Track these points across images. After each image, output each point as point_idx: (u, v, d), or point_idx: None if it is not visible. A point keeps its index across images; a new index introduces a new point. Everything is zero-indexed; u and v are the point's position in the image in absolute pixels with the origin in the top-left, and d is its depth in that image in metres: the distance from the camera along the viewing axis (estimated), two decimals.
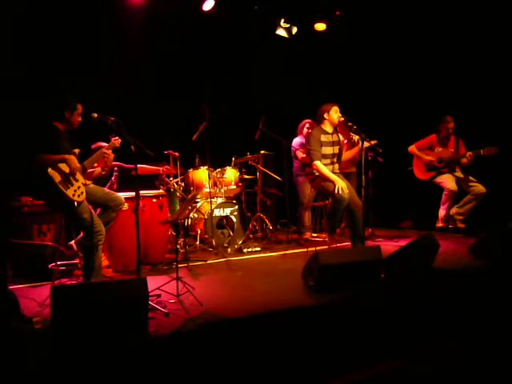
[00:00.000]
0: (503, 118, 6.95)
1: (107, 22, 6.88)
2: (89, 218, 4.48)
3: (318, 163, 5.79)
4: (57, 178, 4.31)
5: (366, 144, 6.07)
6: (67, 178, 4.40)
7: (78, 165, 4.50)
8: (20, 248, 5.40)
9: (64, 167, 4.39)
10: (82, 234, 4.72)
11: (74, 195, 4.38)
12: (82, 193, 4.48)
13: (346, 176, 6.05)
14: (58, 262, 5.11)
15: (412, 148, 7.25)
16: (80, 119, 4.67)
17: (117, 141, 4.97)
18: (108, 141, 5.01)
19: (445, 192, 6.94)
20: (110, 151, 4.85)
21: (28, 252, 5.38)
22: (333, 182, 5.64)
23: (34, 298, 4.42)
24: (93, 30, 6.80)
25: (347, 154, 6.93)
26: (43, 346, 3.28)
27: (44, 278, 5.04)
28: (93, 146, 5.87)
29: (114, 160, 5.00)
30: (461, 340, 4.02)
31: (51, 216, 6.02)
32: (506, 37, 6.91)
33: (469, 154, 6.80)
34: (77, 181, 4.49)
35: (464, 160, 6.85)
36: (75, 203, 4.38)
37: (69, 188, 4.36)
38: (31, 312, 3.96)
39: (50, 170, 4.29)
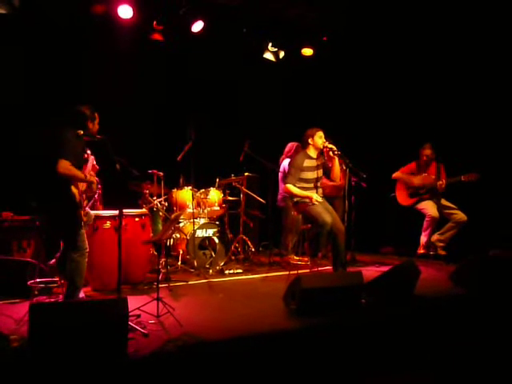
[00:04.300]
0: (485, 145, 7.04)
1: (95, 41, 6.92)
2: (83, 237, 4.55)
3: (289, 186, 5.86)
4: (77, 196, 4.42)
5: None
6: (81, 198, 4.50)
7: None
8: None
9: (80, 186, 4.48)
10: (59, 253, 4.71)
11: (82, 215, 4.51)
12: (86, 213, 4.58)
13: (331, 200, 6.07)
14: (37, 279, 5.04)
15: (397, 174, 7.31)
16: (98, 127, 4.72)
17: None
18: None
19: (426, 218, 7.00)
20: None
21: (6, 268, 5.28)
22: (308, 198, 5.73)
23: (12, 315, 4.35)
24: (81, 50, 6.85)
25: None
26: (20, 364, 3.22)
27: (22, 294, 4.95)
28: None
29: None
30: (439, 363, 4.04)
31: (31, 232, 5.92)
32: (486, 66, 7.06)
33: (442, 180, 6.88)
34: (84, 201, 4.61)
35: (438, 187, 6.92)
36: (82, 223, 4.49)
37: (80, 208, 4.49)
38: (8, 329, 3.89)
39: (72, 187, 4.36)
